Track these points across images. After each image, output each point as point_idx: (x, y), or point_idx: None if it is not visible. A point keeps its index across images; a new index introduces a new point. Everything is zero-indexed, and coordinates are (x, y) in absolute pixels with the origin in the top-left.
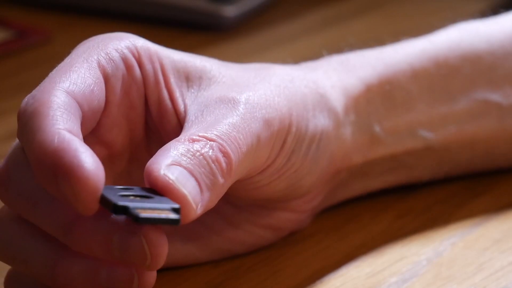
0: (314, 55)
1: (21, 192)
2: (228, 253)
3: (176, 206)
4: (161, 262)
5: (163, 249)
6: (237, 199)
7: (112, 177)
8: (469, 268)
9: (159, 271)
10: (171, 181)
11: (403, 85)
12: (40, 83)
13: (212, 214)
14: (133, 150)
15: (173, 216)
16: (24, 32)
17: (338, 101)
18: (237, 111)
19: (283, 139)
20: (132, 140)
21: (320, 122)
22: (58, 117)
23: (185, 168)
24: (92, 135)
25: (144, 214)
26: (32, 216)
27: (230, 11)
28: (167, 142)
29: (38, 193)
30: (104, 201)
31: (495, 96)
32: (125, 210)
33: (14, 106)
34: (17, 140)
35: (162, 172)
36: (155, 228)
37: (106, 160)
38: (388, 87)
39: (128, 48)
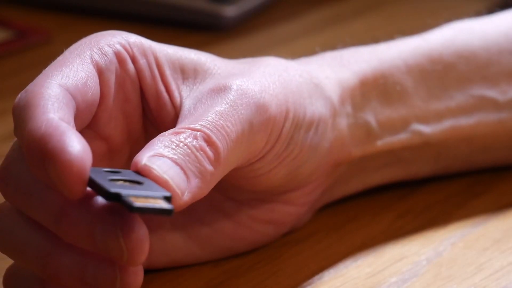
0: (313, 55)
1: (18, 186)
2: (229, 252)
3: (168, 194)
4: (140, 258)
5: (140, 244)
6: (238, 190)
7: None
8: (469, 268)
9: (159, 271)
10: (151, 169)
11: (397, 80)
12: None
13: (213, 211)
14: (132, 145)
15: (166, 206)
16: (24, 32)
17: (333, 91)
18: (226, 99)
19: (281, 124)
20: (130, 135)
21: (317, 109)
22: (49, 106)
23: (168, 158)
24: (90, 129)
25: (138, 204)
26: (27, 208)
27: (230, 11)
28: None
29: (32, 185)
30: (95, 186)
31: (491, 93)
32: (117, 197)
33: None
34: (15, 138)
35: (143, 162)
36: (135, 222)
37: (106, 156)
38: (383, 81)
39: (120, 43)
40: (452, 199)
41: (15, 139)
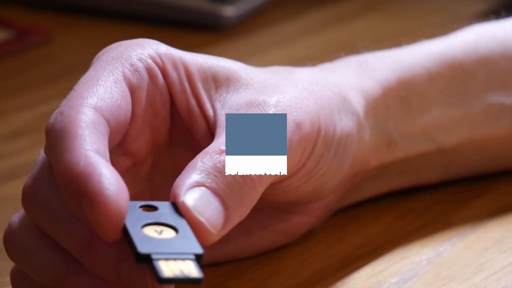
0: (313, 55)
1: (45, 208)
2: (236, 258)
3: (199, 252)
4: None
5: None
6: (261, 201)
7: (134, 183)
8: (469, 268)
9: None
10: (188, 209)
11: (419, 90)
12: (40, 83)
13: None
14: (155, 155)
15: (195, 274)
16: (24, 32)
17: (359, 103)
18: None
19: (313, 142)
20: (155, 147)
21: (346, 125)
22: (87, 136)
23: (208, 187)
24: (117, 146)
25: (166, 274)
26: (52, 231)
27: (230, 11)
28: (194, 147)
29: (60, 210)
30: (127, 238)
31: (508, 100)
32: (147, 259)
33: (14, 106)
34: (43, 154)
35: (181, 199)
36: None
37: (129, 169)
38: (405, 92)
39: (151, 57)
40: (452, 199)
41: (42, 154)
